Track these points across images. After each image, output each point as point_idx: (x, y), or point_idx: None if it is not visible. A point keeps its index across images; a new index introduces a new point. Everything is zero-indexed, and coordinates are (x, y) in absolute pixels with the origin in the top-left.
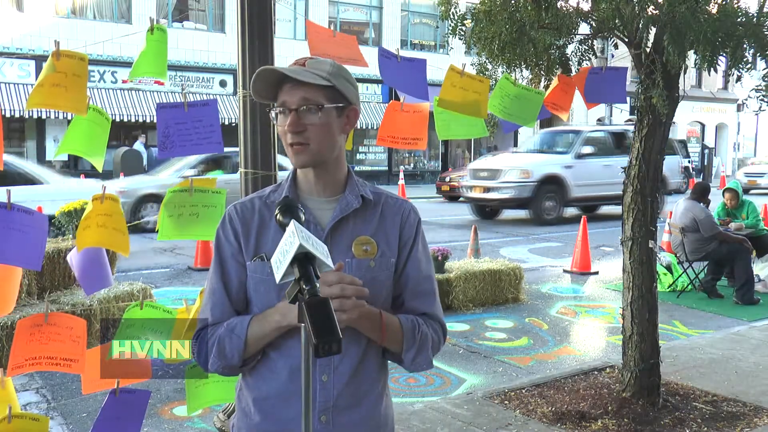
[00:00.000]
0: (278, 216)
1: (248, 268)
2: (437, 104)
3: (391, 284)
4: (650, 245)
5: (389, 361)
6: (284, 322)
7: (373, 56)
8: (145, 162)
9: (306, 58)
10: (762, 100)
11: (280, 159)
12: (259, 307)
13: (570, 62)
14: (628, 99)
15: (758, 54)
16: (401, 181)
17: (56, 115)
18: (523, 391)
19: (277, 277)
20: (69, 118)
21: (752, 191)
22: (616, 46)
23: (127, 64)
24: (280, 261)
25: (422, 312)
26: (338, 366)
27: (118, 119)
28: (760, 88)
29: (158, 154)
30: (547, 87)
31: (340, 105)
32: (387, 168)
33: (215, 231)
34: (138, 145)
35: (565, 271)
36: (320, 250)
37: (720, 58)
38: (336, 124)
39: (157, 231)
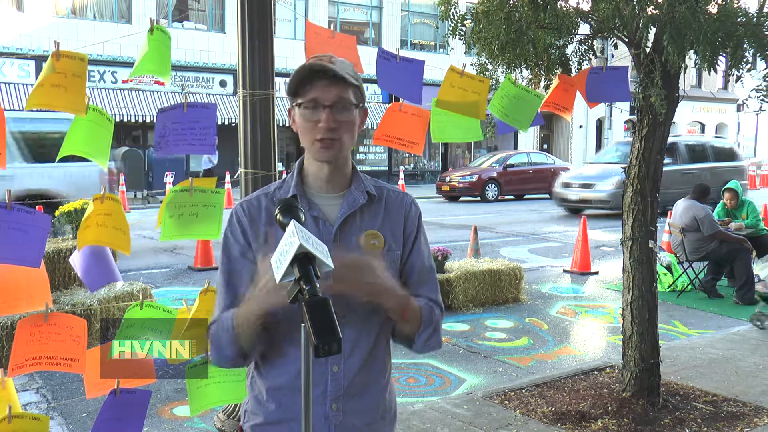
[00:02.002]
0: (278, 216)
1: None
2: (435, 105)
3: (397, 276)
4: (650, 245)
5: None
6: (260, 311)
7: (373, 56)
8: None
9: (329, 55)
10: (762, 100)
11: None
12: None
13: (570, 62)
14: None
15: (758, 54)
16: (401, 181)
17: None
18: (523, 391)
19: (277, 277)
20: (69, 118)
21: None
22: (616, 46)
23: (127, 64)
24: (280, 261)
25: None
26: (348, 358)
27: (118, 119)
28: (760, 88)
29: (155, 153)
30: (547, 87)
31: (361, 104)
32: (387, 168)
33: (215, 230)
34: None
35: (565, 271)
36: (320, 250)
37: (720, 58)
38: (358, 123)
39: (159, 232)
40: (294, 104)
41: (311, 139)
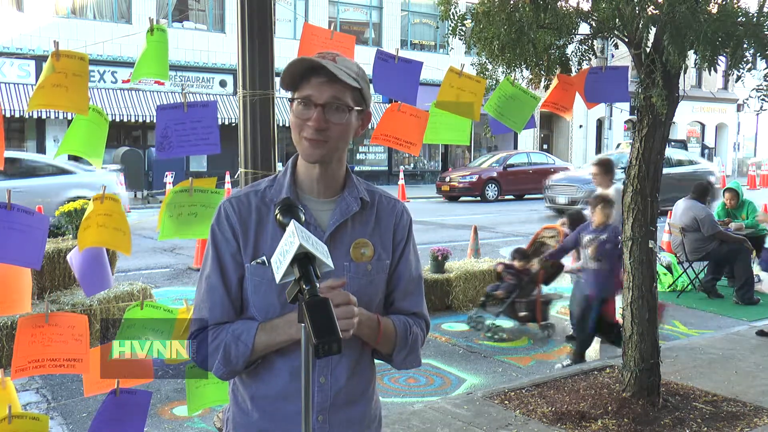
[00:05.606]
0: (278, 216)
1: (247, 270)
2: (434, 106)
3: (385, 285)
4: (650, 245)
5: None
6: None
7: (372, 56)
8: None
9: (334, 53)
10: (763, 99)
11: None
12: (258, 307)
13: (570, 62)
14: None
15: (758, 54)
16: (401, 181)
17: (56, 115)
18: (523, 391)
19: (277, 277)
20: (69, 117)
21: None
22: (616, 46)
23: (127, 64)
24: (280, 261)
25: (411, 312)
26: (335, 368)
27: (118, 119)
28: (761, 87)
29: (157, 154)
30: (547, 87)
31: (361, 108)
32: (387, 168)
33: None
34: None
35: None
36: (320, 250)
37: (720, 58)
38: (353, 126)
39: (158, 231)
40: (290, 98)
41: (299, 136)
